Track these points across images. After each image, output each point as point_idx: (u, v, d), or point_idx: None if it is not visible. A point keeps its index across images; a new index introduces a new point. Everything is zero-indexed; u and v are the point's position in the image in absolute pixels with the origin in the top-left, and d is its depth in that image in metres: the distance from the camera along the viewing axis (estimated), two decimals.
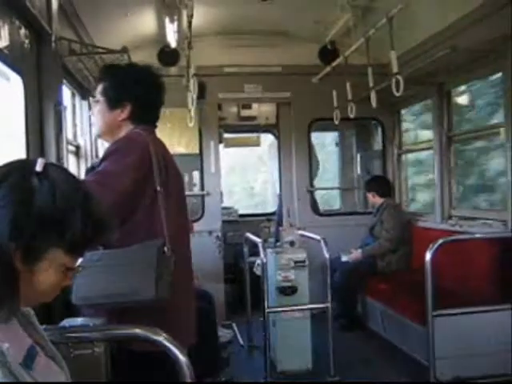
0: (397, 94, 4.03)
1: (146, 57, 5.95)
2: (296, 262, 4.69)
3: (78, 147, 4.95)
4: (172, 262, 2.20)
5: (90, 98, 2.78)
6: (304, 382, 4.59)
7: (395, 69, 4.06)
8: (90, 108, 5.11)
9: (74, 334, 1.95)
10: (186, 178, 7.47)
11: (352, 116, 5.12)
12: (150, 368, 2.12)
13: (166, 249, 2.19)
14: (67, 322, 2.13)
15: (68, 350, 1.88)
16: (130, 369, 2.16)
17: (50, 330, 1.83)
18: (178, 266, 2.24)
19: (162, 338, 1.94)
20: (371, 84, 4.66)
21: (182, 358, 1.92)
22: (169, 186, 2.30)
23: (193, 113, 4.86)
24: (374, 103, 4.64)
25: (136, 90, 2.46)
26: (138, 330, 1.96)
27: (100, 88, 2.51)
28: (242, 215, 7.99)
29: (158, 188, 2.23)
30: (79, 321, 2.19)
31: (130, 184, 2.19)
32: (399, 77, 4.02)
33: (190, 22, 4.32)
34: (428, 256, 4.17)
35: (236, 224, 7.46)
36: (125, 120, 2.44)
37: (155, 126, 2.56)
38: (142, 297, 2.10)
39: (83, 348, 1.96)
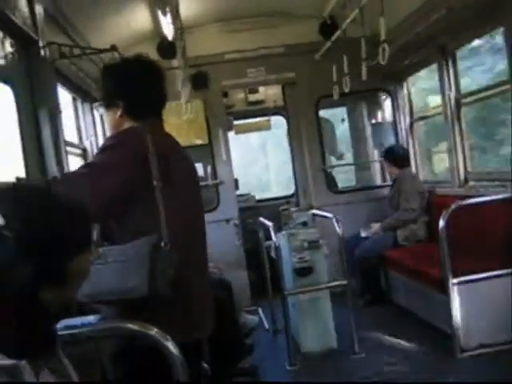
0: (382, 63, 3.95)
1: (145, 52, 5.94)
2: (310, 243, 4.65)
3: (84, 150, 4.99)
4: (172, 257, 2.18)
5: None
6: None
7: (383, 36, 3.97)
8: (91, 110, 5.17)
9: (63, 332, 1.96)
10: (202, 169, 7.51)
11: (347, 90, 5.03)
12: (145, 363, 2.12)
13: (162, 244, 2.17)
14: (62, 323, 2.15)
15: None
16: (126, 364, 2.17)
17: None
18: (186, 258, 2.23)
19: (153, 333, 1.94)
20: (363, 56, 4.57)
21: (175, 353, 1.92)
22: (171, 179, 2.25)
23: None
24: (364, 76, 4.55)
25: (126, 86, 2.42)
26: (129, 325, 1.97)
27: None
28: (259, 200, 7.97)
29: (156, 183, 2.21)
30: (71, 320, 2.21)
31: (119, 179, 2.18)
32: (385, 45, 3.93)
33: (177, 12, 4.27)
34: (441, 223, 4.11)
35: (255, 210, 7.43)
36: (122, 117, 2.42)
37: (160, 119, 2.51)
38: (134, 294, 2.10)
39: (74, 346, 1.97)
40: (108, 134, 2.66)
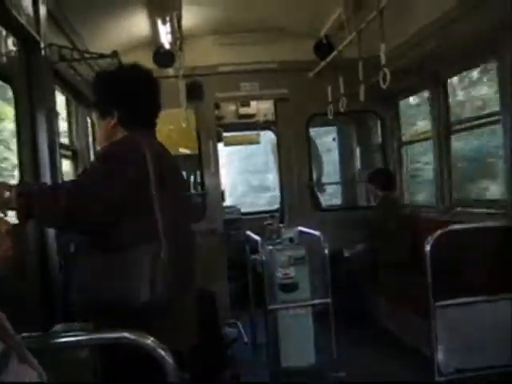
0: (383, 87, 4.02)
1: (141, 59, 5.90)
2: (296, 259, 4.69)
3: (75, 152, 4.97)
4: (167, 265, 2.20)
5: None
6: None
7: (383, 61, 4.05)
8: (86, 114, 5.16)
9: (58, 340, 1.96)
10: (192, 179, 7.52)
11: (343, 110, 5.11)
12: (139, 371, 2.13)
13: (162, 253, 2.19)
14: (58, 328, 2.14)
15: (54, 356, 1.89)
16: (119, 372, 2.17)
17: (33, 338, 1.85)
18: (175, 267, 2.25)
19: (149, 342, 1.95)
20: (361, 78, 4.64)
21: (170, 362, 1.93)
22: (166, 189, 2.29)
23: (186, 113, 4.84)
24: (362, 97, 4.63)
25: (122, 95, 2.44)
26: (125, 334, 1.97)
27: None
28: (244, 213, 7.99)
29: (154, 192, 2.23)
30: (71, 326, 2.21)
31: (119, 187, 2.19)
32: (386, 69, 4.00)
33: (179, 23, 4.31)
34: (427, 248, 4.16)
35: (239, 222, 7.45)
36: (115, 126, 2.43)
37: (153, 128, 2.54)
38: (137, 301, 2.14)
39: (69, 354, 1.97)
40: (99, 142, 2.66)
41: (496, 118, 4.64)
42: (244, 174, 11.47)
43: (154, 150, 2.32)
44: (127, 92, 2.45)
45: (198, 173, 6.82)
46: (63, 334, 2.04)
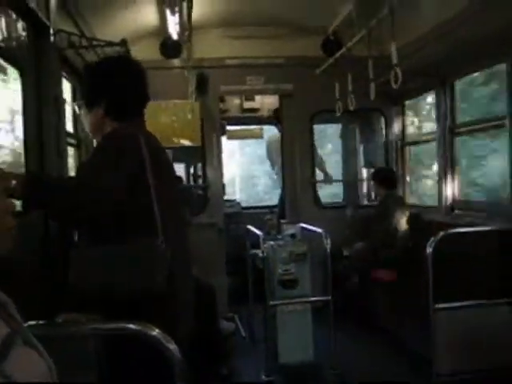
0: (394, 87, 4.00)
1: (148, 49, 5.93)
2: (297, 255, 4.67)
3: (79, 140, 4.94)
4: (167, 255, 2.20)
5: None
6: None
7: (394, 60, 4.02)
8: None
9: (64, 330, 1.95)
10: (192, 170, 7.50)
11: (352, 108, 5.09)
12: (143, 362, 2.12)
13: (160, 242, 2.19)
14: (61, 318, 2.13)
15: (59, 345, 1.87)
16: (124, 363, 2.16)
17: (38, 326, 1.84)
18: (173, 257, 2.24)
19: (155, 334, 1.94)
20: (371, 76, 4.62)
21: (176, 354, 1.92)
22: (162, 179, 2.30)
23: (193, 105, 4.81)
24: (372, 96, 4.61)
25: (107, 85, 2.44)
26: (131, 326, 1.96)
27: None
28: (244, 208, 7.98)
29: (151, 181, 2.23)
30: (75, 316, 2.20)
31: (113, 179, 2.18)
32: (398, 69, 3.98)
33: (189, 15, 4.28)
34: (429, 249, 4.15)
35: (239, 217, 7.44)
36: (104, 117, 2.43)
37: (142, 119, 2.53)
38: (139, 290, 2.14)
39: (74, 343, 1.96)
40: (90, 133, 2.65)
41: (501, 122, 4.64)
42: (266, 163, 9.50)
43: (148, 141, 2.34)
44: (114, 80, 2.45)
45: (200, 166, 6.78)
46: (67, 324, 2.04)
